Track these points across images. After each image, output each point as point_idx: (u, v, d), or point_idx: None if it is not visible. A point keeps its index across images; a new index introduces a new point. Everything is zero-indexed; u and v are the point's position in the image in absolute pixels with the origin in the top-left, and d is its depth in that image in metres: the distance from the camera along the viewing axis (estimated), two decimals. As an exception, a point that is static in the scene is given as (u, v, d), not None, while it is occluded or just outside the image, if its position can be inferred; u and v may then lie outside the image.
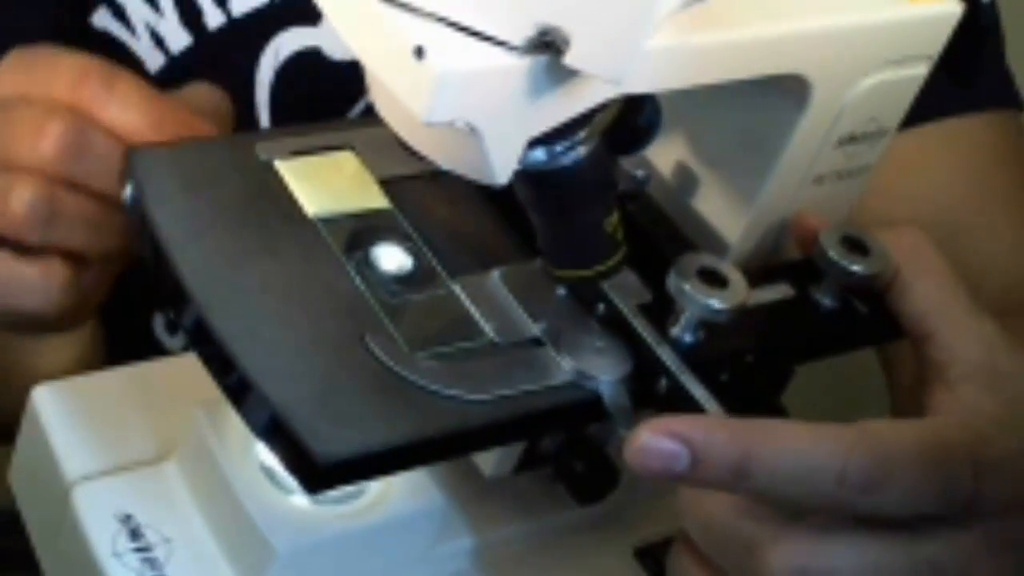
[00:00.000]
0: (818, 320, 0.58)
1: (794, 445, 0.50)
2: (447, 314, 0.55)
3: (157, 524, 0.60)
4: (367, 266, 0.55)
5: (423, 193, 0.59)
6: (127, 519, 0.60)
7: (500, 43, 0.46)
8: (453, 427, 0.52)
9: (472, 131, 0.48)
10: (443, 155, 0.50)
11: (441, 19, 0.46)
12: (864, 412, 0.56)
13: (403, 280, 0.56)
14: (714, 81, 0.53)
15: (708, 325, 0.55)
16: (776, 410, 0.59)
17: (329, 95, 0.77)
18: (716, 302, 0.54)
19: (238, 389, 0.51)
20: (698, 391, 0.54)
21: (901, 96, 0.59)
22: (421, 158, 0.52)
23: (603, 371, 0.54)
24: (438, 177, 0.60)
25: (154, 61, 0.80)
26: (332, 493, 0.60)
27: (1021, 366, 0.57)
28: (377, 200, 0.58)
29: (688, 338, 0.55)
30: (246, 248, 0.54)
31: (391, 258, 0.56)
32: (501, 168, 0.50)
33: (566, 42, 0.46)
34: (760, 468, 0.50)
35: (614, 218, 0.54)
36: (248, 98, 0.79)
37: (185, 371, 0.65)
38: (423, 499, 0.61)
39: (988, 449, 0.52)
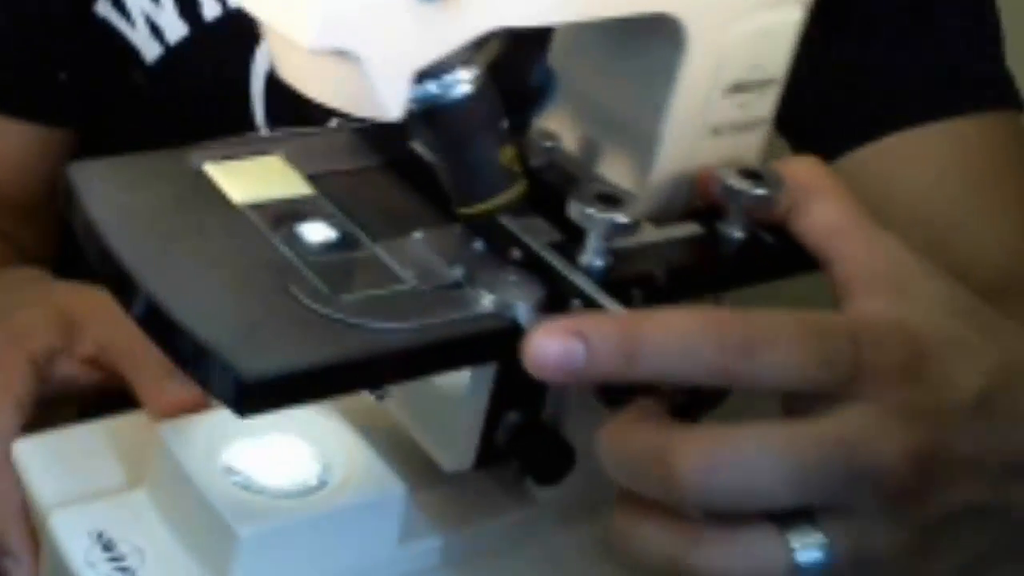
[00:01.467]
0: (725, 248, 0.61)
1: (676, 320, 0.52)
2: (370, 268, 0.58)
3: (129, 538, 0.62)
4: (293, 238, 0.59)
5: (349, 183, 0.63)
6: (100, 535, 0.62)
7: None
8: (375, 350, 0.55)
9: (357, 62, 0.52)
10: (337, 96, 0.55)
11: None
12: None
13: (328, 248, 0.59)
14: (586, 18, 0.57)
15: (616, 253, 0.58)
16: None
17: None
18: (618, 216, 0.57)
19: (166, 333, 0.54)
20: (608, 302, 0.56)
21: (780, 42, 0.63)
22: (324, 112, 0.56)
23: (519, 298, 0.57)
24: (364, 171, 0.64)
25: (151, 51, 0.83)
26: (294, 486, 0.63)
27: (925, 273, 0.58)
28: (303, 189, 0.62)
29: (597, 263, 0.58)
30: (177, 230, 0.58)
31: (316, 232, 0.60)
32: (392, 101, 0.54)
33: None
34: (648, 347, 0.52)
35: (509, 151, 0.58)
36: (243, 89, 0.82)
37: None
38: (384, 486, 0.63)
39: (866, 324, 0.54)
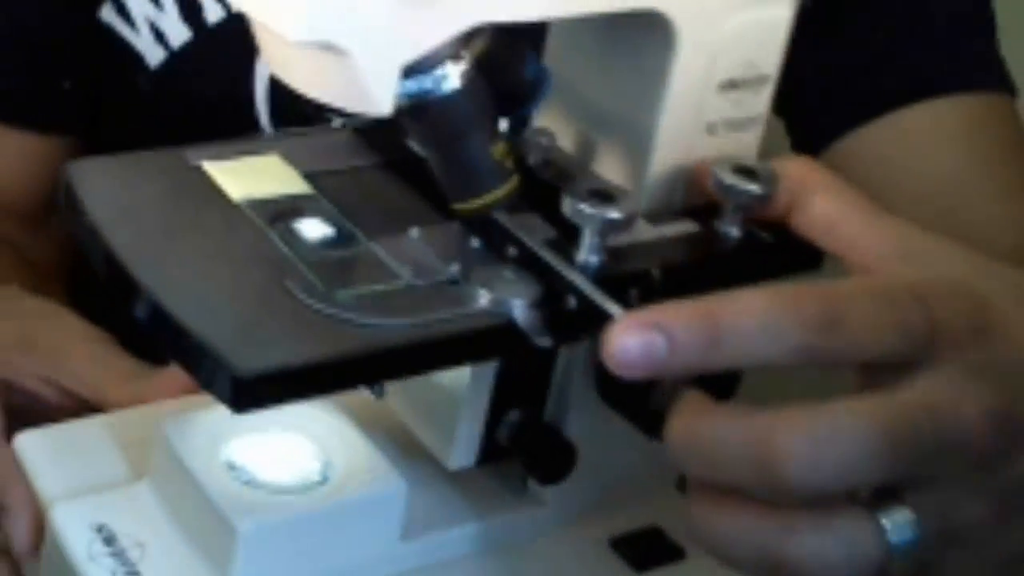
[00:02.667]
0: (721, 247, 0.61)
1: (754, 302, 0.51)
2: (366, 264, 0.59)
3: (130, 531, 0.63)
4: (290, 235, 0.60)
5: (346, 182, 0.64)
6: (101, 528, 0.63)
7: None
8: (371, 347, 0.55)
9: (344, 56, 0.53)
10: (327, 91, 0.55)
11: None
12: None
13: (325, 244, 0.60)
14: (573, 13, 0.58)
15: (612, 251, 0.59)
16: None
17: None
18: (611, 212, 0.57)
19: (165, 330, 0.55)
20: (604, 300, 0.57)
21: (772, 39, 0.63)
22: (330, 113, 0.57)
23: (514, 295, 0.58)
24: (361, 170, 0.65)
25: (155, 56, 0.84)
26: (295, 481, 0.63)
27: (935, 244, 0.59)
28: (301, 187, 0.63)
29: (593, 260, 0.58)
30: (175, 227, 0.59)
31: (313, 228, 0.60)
32: (382, 96, 0.55)
33: (413, -45, 0.52)
34: (730, 332, 0.51)
35: (501, 146, 0.59)
36: (248, 92, 0.83)
37: (160, 414, 0.70)
38: (386, 482, 0.64)
39: (929, 286, 0.54)
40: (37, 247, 0.93)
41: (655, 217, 0.62)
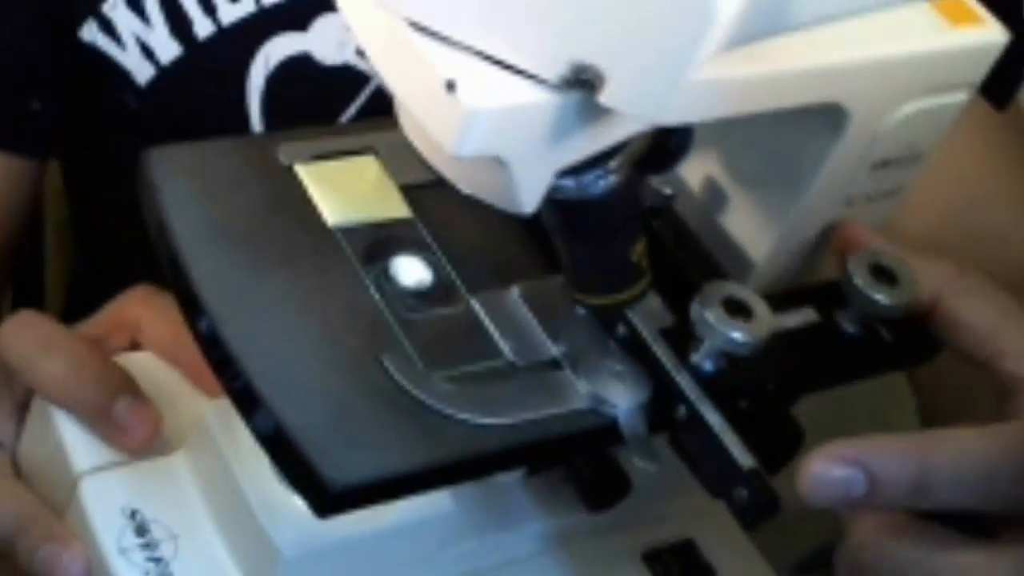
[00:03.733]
0: (841, 348, 0.57)
1: (968, 448, 0.49)
2: (465, 332, 0.54)
3: (164, 519, 0.60)
4: (386, 279, 0.55)
5: (445, 201, 0.58)
6: (134, 514, 0.60)
7: (533, 77, 0.45)
8: (466, 453, 0.51)
9: (501, 163, 0.47)
10: (470, 183, 0.49)
11: (474, 52, 0.45)
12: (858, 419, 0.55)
13: (421, 295, 0.55)
14: (751, 112, 0.51)
15: (730, 355, 0.54)
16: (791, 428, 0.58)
17: (320, 100, 0.77)
18: (739, 335, 0.53)
19: (250, 405, 0.50)
20: (714, 419, 0.53)
21: (939, 122, 0.58)
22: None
23: (620, 397, 0.54)
24: None
25: (143, 73, 0.80)
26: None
27: None
28: (398, 209, 0.57)
29: (708, 366, 0.54)
30: (263, 258, 0.53)
31: (410, 271, 0.55)
32: (528, 198, 0.49)
33: (601, 80, 0.45)
34: (940, 480, 0.49)
35: (640, 246, 0.53)
36: (240, 106, 0.79)
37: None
38: (431, 503, 0.61)
39: None
40: None
41: (776, 291, 0.58)
